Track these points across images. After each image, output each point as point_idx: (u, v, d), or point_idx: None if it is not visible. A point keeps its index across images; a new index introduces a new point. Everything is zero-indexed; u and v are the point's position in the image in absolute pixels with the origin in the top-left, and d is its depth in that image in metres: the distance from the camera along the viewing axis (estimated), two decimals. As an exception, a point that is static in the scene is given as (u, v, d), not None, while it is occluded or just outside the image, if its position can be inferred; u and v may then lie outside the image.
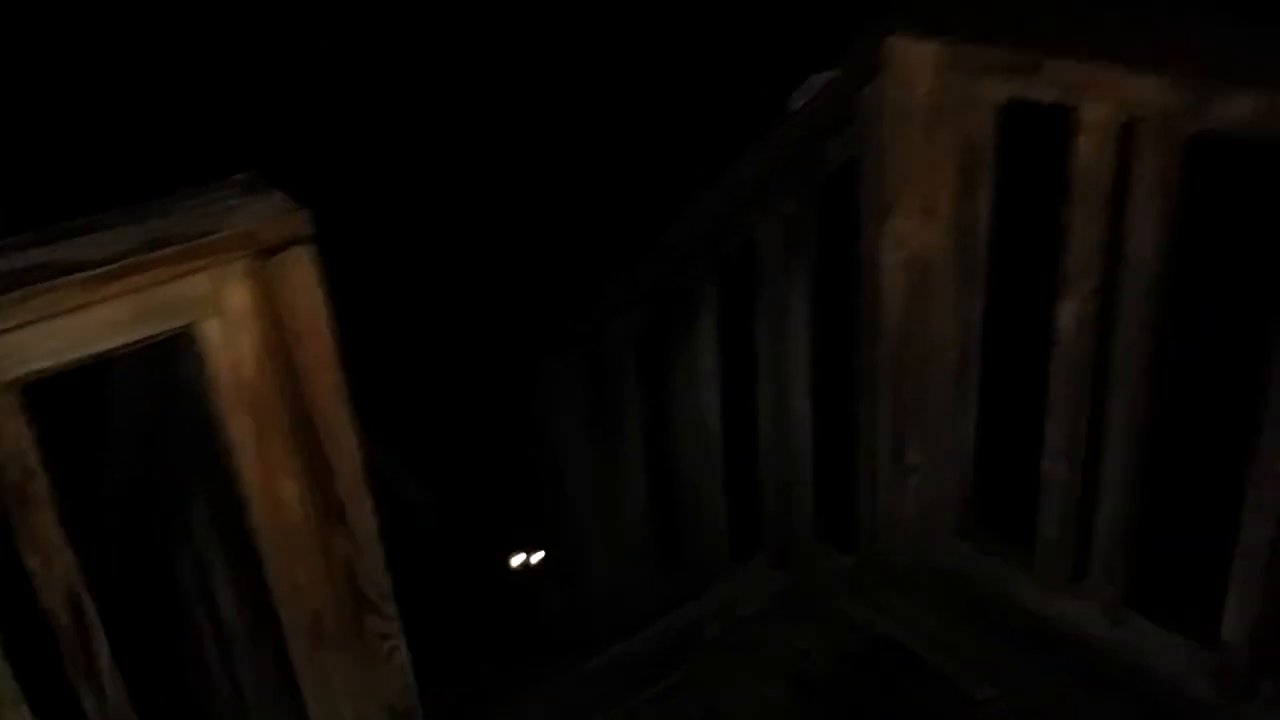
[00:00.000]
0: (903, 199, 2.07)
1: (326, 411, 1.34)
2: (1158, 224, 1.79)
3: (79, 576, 1.24)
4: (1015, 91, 1.92)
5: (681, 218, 2.35)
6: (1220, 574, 1.90)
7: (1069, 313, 1.97)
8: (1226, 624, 1.93)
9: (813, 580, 2.47)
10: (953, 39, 1.94)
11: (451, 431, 4.51)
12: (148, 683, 1.45)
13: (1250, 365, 1.80)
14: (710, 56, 6.78)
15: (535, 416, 2.86)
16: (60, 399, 1.37)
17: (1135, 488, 2.00)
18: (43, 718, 1.30)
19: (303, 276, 1.26)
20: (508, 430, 3.35)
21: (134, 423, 1.63)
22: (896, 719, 2.16)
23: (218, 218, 1.21)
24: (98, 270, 1.12)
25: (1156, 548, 2.19)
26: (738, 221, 2.30)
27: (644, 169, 5.59)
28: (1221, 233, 3.45)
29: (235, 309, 1.23)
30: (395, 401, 3.97)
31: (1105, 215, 1.87)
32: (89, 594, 1.26)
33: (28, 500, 1.18)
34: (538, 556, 3.70)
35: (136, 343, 1.20)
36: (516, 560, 3.75)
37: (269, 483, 1.33)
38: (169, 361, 1.31)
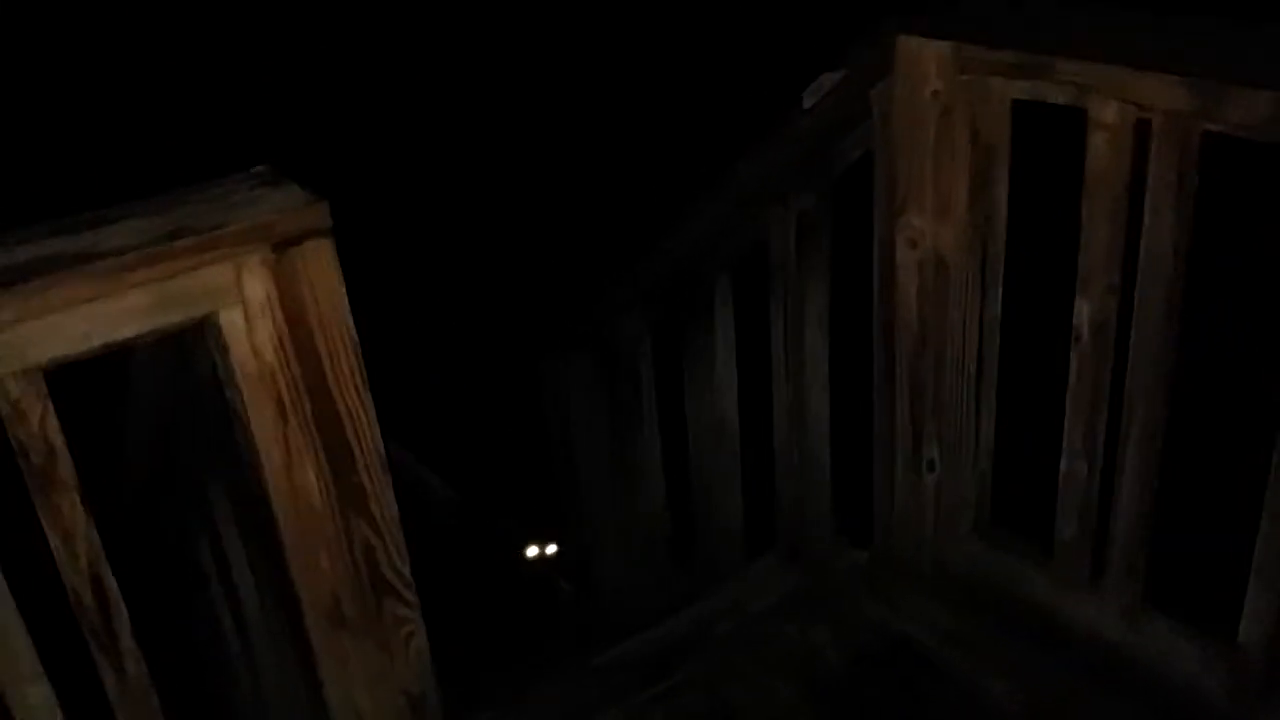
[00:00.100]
0: (917, 197, 2.08)
1: (346, 398, 1.36)
2: (1174, 223, 1.79)
3: (101, 556, 1.27)
4: (1026, 91, 1.93)
5: (695, 213, 2.37)
6: (1238, 575, 1.89)
7: (1086, 311, 1.97)
8: (1244, 625, 1.92)
9: (827, 577, 2.47)
10: (963, 39, 1.95)
11: (470, 428, 4.54)
12: (167, 663, 1.48)
13: (1269, 363, 1.80)
14: (723, 54, 6.79)
15: (552, 413, 2.88)
16: (84, 385, 1.41)
17: (1153, 487, 1.99)
18: (64, 696, 1.33)
19: (322, 267, 1.29)
20: (525, 427, 3.36)
21: (155, 410, 1.66)
22: (911, 717, 2.16)
23: (238, 209, 1.24)
24: (120, 259, 1.15)
25: (1175, 548, 2.19)
26: (752, 217, 2.32)
27: (656, 165, 5.61)
28: (1241, 231, 3.44)
29: (255, 298, 1.26)
30: (415, 399, 4.00)
31: (1121, 214, 1.87)
32: (110, 573, 1.29)
33: (51, 482, 1.21)
34: (552, 551, 3.72)
35: (158, 331, 1.23)
36: (532, 555, 3.77)
37: (289, 468, 1.35)
38: (189, 350, 1.34)
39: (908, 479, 2.33)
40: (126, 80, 7.25)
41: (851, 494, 2.52)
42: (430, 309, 5.37)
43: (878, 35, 2.03)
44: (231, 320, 1.25)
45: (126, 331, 1.20)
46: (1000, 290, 2.17)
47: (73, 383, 1.26)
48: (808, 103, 2.12)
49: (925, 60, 1.98)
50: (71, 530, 1.24)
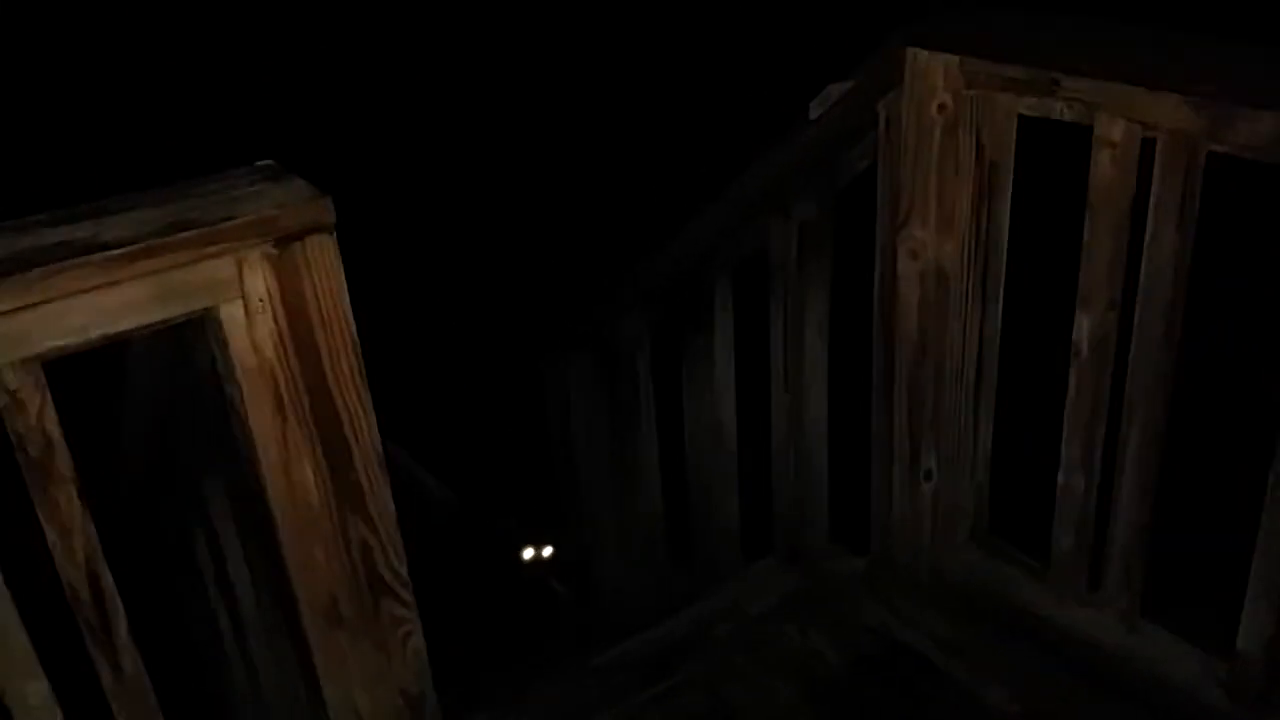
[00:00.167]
0: (920, 209, 2.08)
1: (345, 396, 1.36)
2: (1176, 241, 1.79)
3: (98, 551, 1.27)
4: (1033, 107, 1.93)
5: (698, 217, 2.37)
6: (1236, 582, 1.89)
7: (1086, 326, 1.98)
8: (1242, 633, 1.92)
9: (825, 582, 2.48)
10: (971, 53, 1.95)
11: (468, 429, 4.54)
12: (164, 661, 1.48)
13: (1268, 374, 1.80)
14: (729, 62, 6.80)
15: (551, 413, 2.88)
16: (81, 378, 1.41)
17: (1151, 498, 2.00)
18: (61, 692, 1.32)
19: (324, 263, 1.28)
20: (524, 428, 3.37)
21: (153, 404, 1.66)
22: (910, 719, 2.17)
23: (240, 203, 1.24)
24: (120, 250, 1.15)
25: (1173, 555, 2.19)
26: (755, 225, 2.32)
27: (661, 169, 5.62)
28: (1238, 243, 3.44)
29: (256, 293, 1.25)
30: (413, 399, 4.00)
31: (1124, 232, 1.88)
32: (107, 569, 1.29)
33: (49, 475, 1.21)
34: (549, 552, 3.72)
35: (157, 324, 1.22)
36: (529, 556, 3.77)
37: (287, 466, 1.35)
38: (188, 344, 1.34)
39: (906, 487, 2.33)
40: (132, 73, 7.27)
41: (849, 501, 2.53)
42: (430, 308, 5.37)
43: (886, 47, 2.03)
44: (232, 315, 1.25)
45: (126, 324, 1.20)
46: (1000, 303, 2.17)
47: (71, 375, 1.26)
48: (814, 113, 2.13)
49: (933, 73, 1.98)
50: (69, 524, 1.24)
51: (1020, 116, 1.98)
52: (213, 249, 1.20)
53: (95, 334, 1.18)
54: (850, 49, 2.11)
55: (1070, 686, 2.13)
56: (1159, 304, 1.85)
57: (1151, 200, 1.80)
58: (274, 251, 1.24)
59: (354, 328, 1.33)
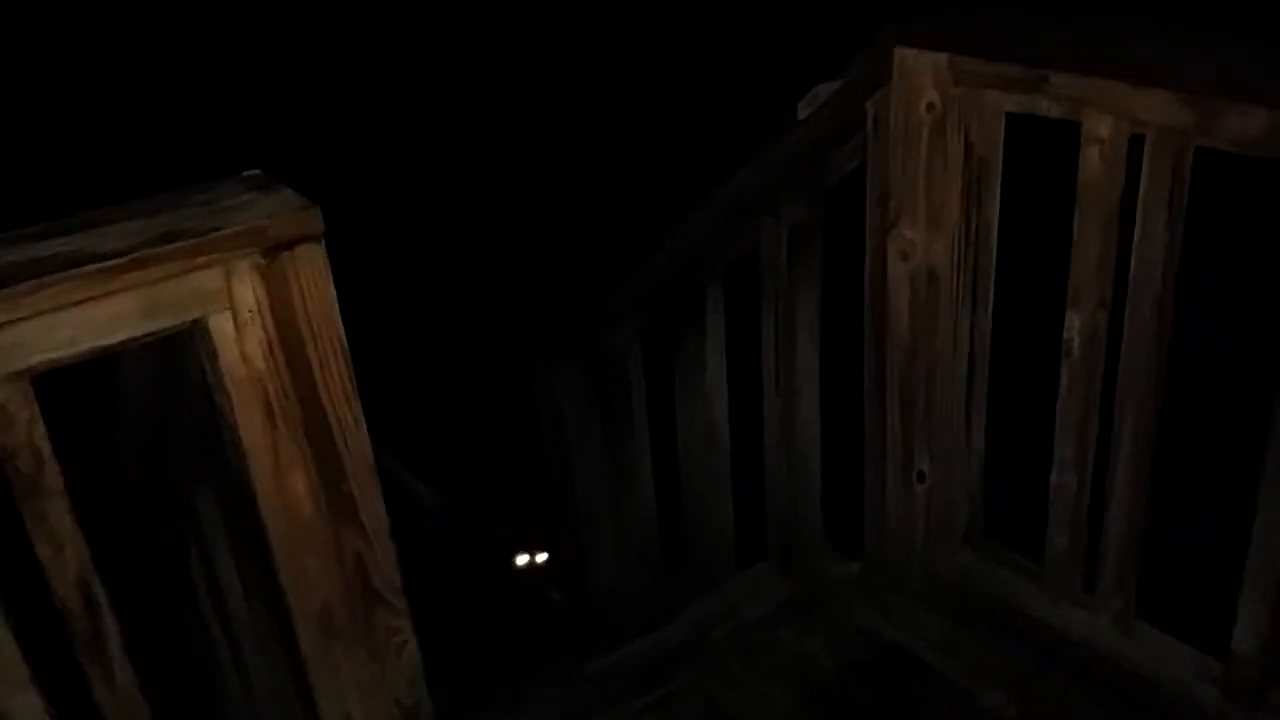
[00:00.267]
0: (909, 209, 2.08)
1: (336, 406, 1.35)
2: (1166, 237, 1.80)
3: (90, 564, 1.26)
4: (1021, 105, 1.94)
5: (688, 221, 2.37)
6: (1231, 582, 1.90)
7: (1077, 325, 1.98)
8: (1236, 634, 1.92)
9: (819, 586, 2.48)
10: (959, 51, 1.96)
11: (460, 436, 4.53)
12: (157, 673, 1.47)
13: (1259, 371, 1.80)
14: (717, 64, 6.81)
15: (543, 420, 2.88)
16: (71, 391, 1.40)
17: (1145, 497, 2.00)
18: (52, 704, 1.32)
19: (313, 273, 1.28)
20: (516, 434, 3.36)
21: (143, 416, 1.65)
22: (904, 725, 2.17)
23: (229, 213, 1.23)
24: (109, 262, 1.14)
25: (1167, 555, 2.19)
26: (744, 227, 2.32)
27: (650, 174, 5.62)
28: (1229, 239, 3.45)
29: (246, 304, 1.25)
30: (404, 406, 3.99)
31: (1113, 228, 1.88)
32: (99, 581, 1.28)
33: (39, 489, 1.20)
34: (544, 559, 3.72)
35: (147, 335, 1.22)
36: (524, 563, 3.76)
37: (279, 476, 1.34)
38: (178, 355, 1.33)
39: (899, 489, 2.33)
40: (119, 83, 7.25)
41: (843, 504, 2.52)
42: (422, 316, 5.36)
43: (874, 47, 2.03)
44: (221, 325, 1.25)
45: (116, 336, 1.19)
46: (991, 303, 2.17)
47: (60, 388, 1.25)
48: (803, 113, 2.13)
49: (921, 72, 1.98)
50: (59, 538, 1.23)
51: (1009, 114, 1.98)
52: (202, 260, 1.19)
53: (85, 346, 1.17)
54: (838, 48, 2.11)
55: (1065, 687, 2.13)
56: (1149, 300, 1.85)
57: (1140, 196, 1.81)
58: (263, 262, 1.24)
59: (344, 337, 1.32)
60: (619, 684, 2.28)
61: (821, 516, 2.56)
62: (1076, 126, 1.86)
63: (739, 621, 2.41)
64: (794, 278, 2.31)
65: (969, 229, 2.09)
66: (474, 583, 3.79)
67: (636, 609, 2.74)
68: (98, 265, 1.14)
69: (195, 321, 1.23)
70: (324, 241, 1.27)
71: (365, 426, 1.39)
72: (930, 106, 1.99)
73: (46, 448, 1.20)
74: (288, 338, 1.29)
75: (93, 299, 1.15)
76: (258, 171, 1.32)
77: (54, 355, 1.16)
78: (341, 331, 1.32)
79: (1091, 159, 1.85)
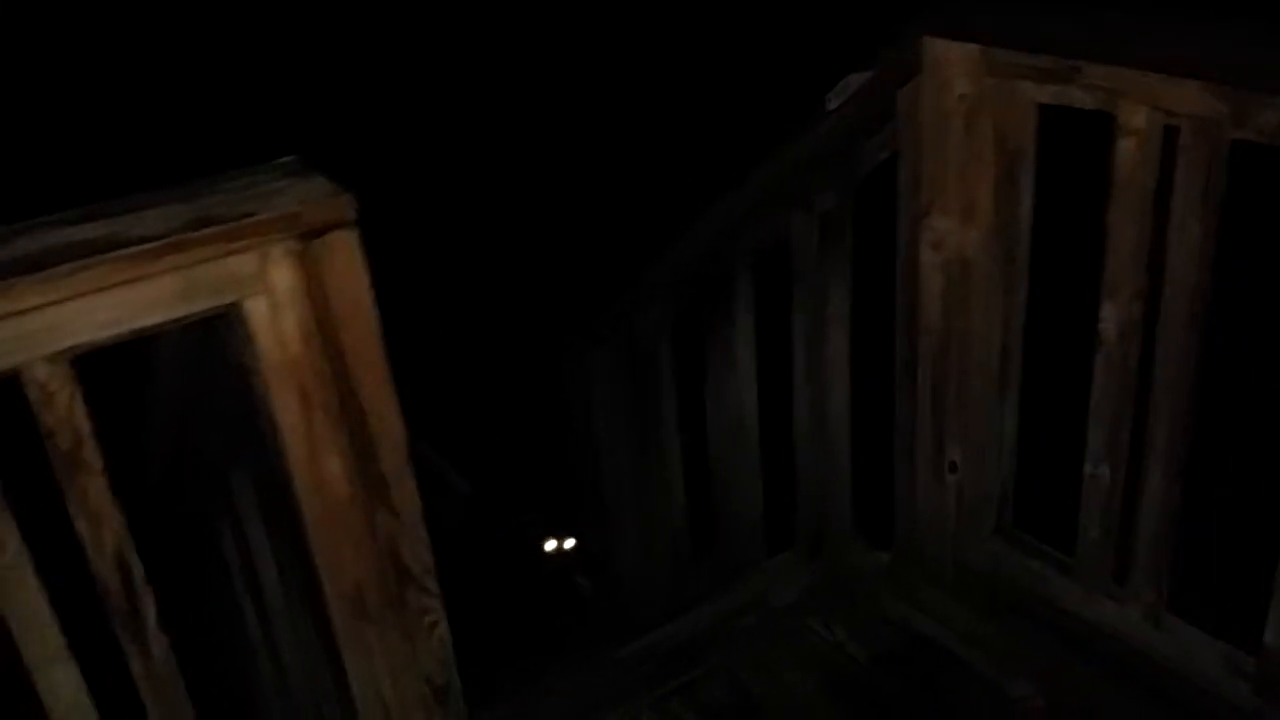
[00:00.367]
0: (942, 199, 2.08)
1: (370, 389, 1.37)
2: (1201, 229, 1.79)
3: (128, 540, 1.29)
4: (1054, 96, 1.92)
5: (718, 210, 2.37)
6: (1264, 576, 1.89)
7: (1111, 316, 1.97)
8: (1269, 627, 1.91)
9: (847, 575, 2.48)
10: (991, 42, 1.95)
11: (491, 423, 4.55)
12: (191, 650, 1.50)
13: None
14: (750, 53, 6.79)
15: (572, 406, 2.89)
16: (112, 371, 1.43)
17: (1179, 490, 1.99)
18: (90, 678, 1.34)
19: (347, 258, 1.30)
20: (545, 420, 3.37)
21: (180, 398, 1.68)
22: (931, 714, 2.17)
23: (264, 199, 1.25)
24: (146, 246, 1.16)
25: (1199, 548, 2.18)
26: (776, 216, 2.32)
27: (681, 162, 5.61)
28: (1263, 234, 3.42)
29: (281, 288, 1.27)
30: (436, 393, 4.01)
31: (1147, 220, 1.87)
32: (137, 558, 1.30)
33: (78, 466, 1.23)
34: (571, 545, 3.73)
35: (184, 318, 1.24)
36: (552, 549, 3.77)
37: (314, 459, 1.36)
38: (215, 339, 1.35)
39: (929, 480, 2.33)
40: (158, 70, 7.32)
41: (872, 494, 2.52)
42: (453, 302, 5.38)
43: (906, 36, 2.03)
44: (257, 309, 1.27)
45: (153, 318, 1.21)
46: (1024, 293, 2.16)
47: (101, 369, 1.27)
48: (833, 104, 2.13)
49: (953, 62, 1.98)
50: (98, 514, 1.26)
51: (1041, 105, 1.98)
52: (237, 244, 1.22)
53: (123, 329, 1.20)
54: (869, 39, 2.11)
55: (1095, 680, 2.12)
56: (1185, 291, 1.84)
57: (1175, 188, 1.79)
58: (298, 247, 1.26)
59: (378, 321, 1.34)
60: (646, 669, 2.29)
61: (851, 506, 2.56)
62: (1108, 117, 1.85)
63: (767, 609, 2.42)
64: (825, 268, 2.32)
65: (1002, 220, 2.08)
66: (505, 569, 3.81)
67: (664, 595, 2.75)
68: (136, 249, 1.16)
69: (231, 305, 1.26)
70: (359, 227, 1.29)
71: (399, 409, 1.40)
72: (962, 97, 1.99)
73: (86, 426, 1.22)
74: (322, 321, 1.31)
75: (131, 282, 1.17)
76: (293, 158, 1.34)
77: (93, 336, 1.18)
78: (375, 316, 1.34)
79: (1126, 150, 1.84)
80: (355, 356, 1.35)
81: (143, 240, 1.17)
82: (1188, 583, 2.12)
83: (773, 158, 2.26)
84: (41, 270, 1.12)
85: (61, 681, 1.31)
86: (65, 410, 1.20)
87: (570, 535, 3.74)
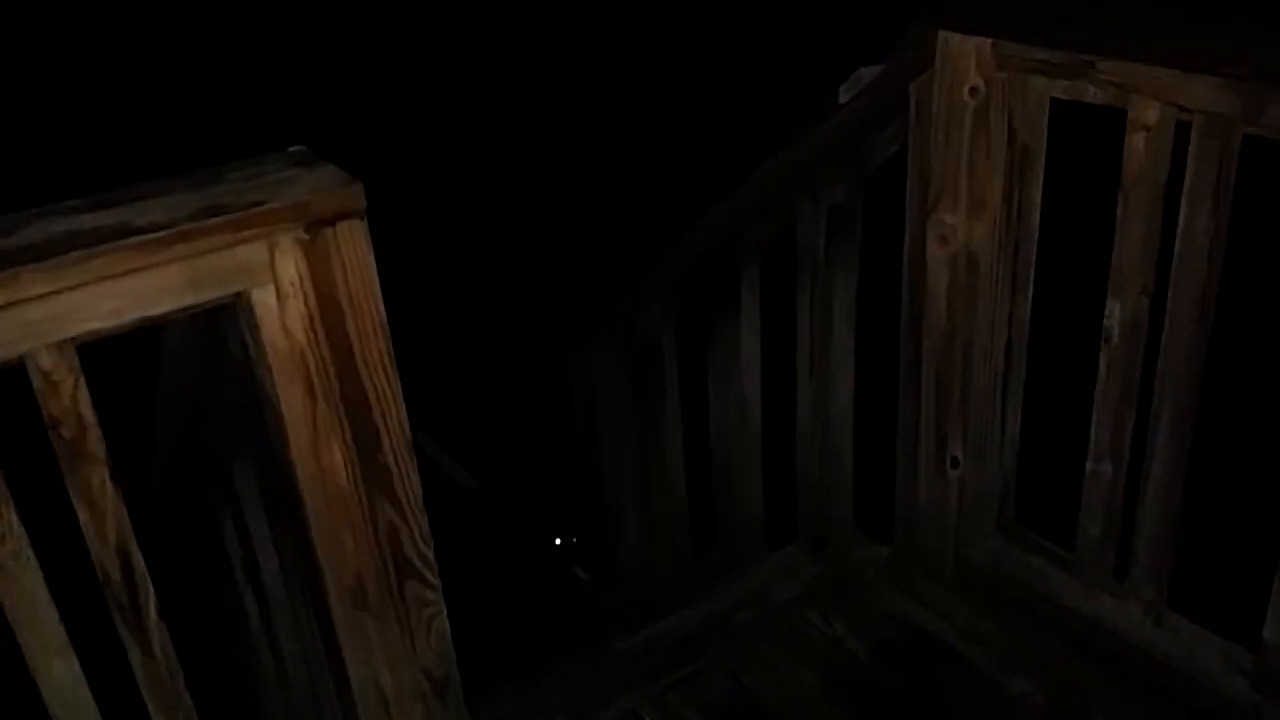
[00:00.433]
0: (950, 194, 2.07)
1: (375, 380, 1.36)
2: (1210, 225, 1.78)
3: (130, 532, 1.28)
4: (1066, 91, 1.92)
5: (725, 203, 2.36)
6: (1263, 573, 1.89)
7: (1118, 312, 1.96)
8: (1268, 624, 1.91)
9: (848, 569, 2.48)
10: (1003, 35, 1.94)
11: (493, 416, 4.54)
12: (190, 641, 1.49)
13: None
14: (760, 47, 6.77)
15: (575, 400, 2.88)
16: (116, 361, 1.42)
17: (1181, 487, 1.99)
18: (90, 670, 1.33)
19: (355, 248, 1.28)
20: (549, 414, 3.37)
21: (184, 387, 1.67)
22: (931, 710, 2.16)
23: (272, 188, 1.23)
24: (154, 235, 1.15)
25: (1198, 545, 2.19)
26: (783, 209, 2.31)
27: (689, 157, 5.59)
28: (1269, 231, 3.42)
29: (288, 278, 1.25)
30: (438, 387, 4.00)
31: (1157, 216, 1.86)
32: (139, 550, 1.29)
33: (82, 455, 1.21)
34: (574, 539, 3.72)
35: (190, 307, 1.22)
36: (554, 542, 3.77)
37: (317, 448, 1.35)
38: (220, 328, 1.34)
39: (932, 475, 2.32)
40: (166, 59, 7.30)
41: (874, 488, 2.52)
42: (456, 296, 5.37)
43: (917, 30, 2.02)
44: (263, 299, 1.25)
45: (160, 307, 1.20)
46: (1031, 290, 2.16)
47: (105, 358, 1.26)
48: (844, 96, 2.11)
49: (964, 56, 1.97)
50: (101, 505, 1.25)
51: (1052, 100, 1.97)
52: (246, 234, 1.20)
53: (129, 317, 1.18)
54: (881, 32, 2.10)
55: (1094, 676, 2.13)
56: (1192, 288, 1.83)
57: (1186, 184, 1.79)
58: (305, 237, 1.24)
59: (384, 312, 1.33)
60: (645, 662, 2.29)
61: (854, 501, 2.56)
62: (1118, 112, 1.84)
63: (767, 603, 2.42)
64: (831, 261, 2.31)
65: (1010, 215, 2.07)
66: (505, 561, 3.80)
67: (664, 589, 2.75)
68: (143, 237, 1.14)
69: (238, 294, 1.24)
70: (367, 218, 1.27)
71: (403, 401, 1.39)
72: (973, 91, 1.98)
73: (90, 415, 1.21)
74: (329, 312, 1.29)
75: (138, 270, 1.15)
76: (301, 147, 1.33)
77: (99, 325, 1.17)
78: (381, 307, 1.33)
79: (1137, 146, 1.83)
80: (361, 347, 1.34)
81: (150, 229, 1.15)
82: (1188, 580, 2.12)
83: (782, 151, 2.25)
84: (48, 258, 1.11)
85: (61, 674, 1.30)
86: (70, 399, 1.19)
87: (572, 528, 3.73)
